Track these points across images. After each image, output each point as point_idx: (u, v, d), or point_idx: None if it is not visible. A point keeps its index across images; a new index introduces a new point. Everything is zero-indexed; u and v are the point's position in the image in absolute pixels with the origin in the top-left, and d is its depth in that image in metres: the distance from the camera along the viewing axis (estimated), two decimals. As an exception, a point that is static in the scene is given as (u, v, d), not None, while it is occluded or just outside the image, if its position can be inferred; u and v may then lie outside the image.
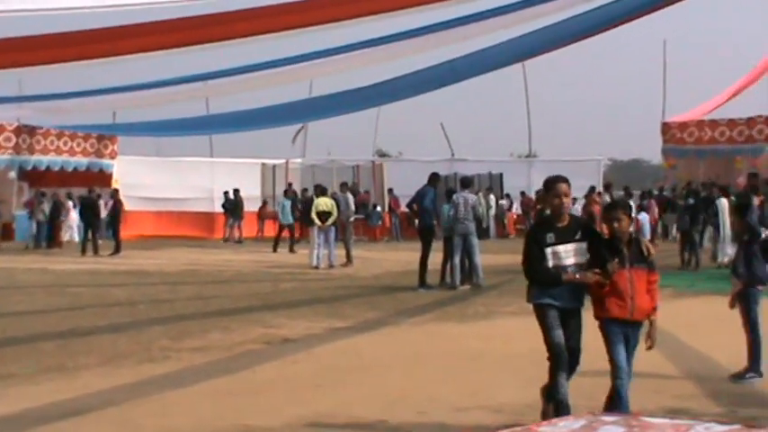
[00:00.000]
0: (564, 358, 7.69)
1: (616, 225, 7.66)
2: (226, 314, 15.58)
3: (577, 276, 7.62)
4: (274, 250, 31.01)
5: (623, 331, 7.61)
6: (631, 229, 7.91)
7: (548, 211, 8.15)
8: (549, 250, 7.64)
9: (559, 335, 7.68)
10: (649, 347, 7.76)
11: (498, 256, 25.36)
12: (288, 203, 31.77)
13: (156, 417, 8.57)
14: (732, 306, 10.01)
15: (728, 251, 20.55)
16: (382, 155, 53.55)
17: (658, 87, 42.38)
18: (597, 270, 7.58)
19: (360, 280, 21.74)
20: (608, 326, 7.63)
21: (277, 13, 15.84)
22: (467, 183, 20.85)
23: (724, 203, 21.59)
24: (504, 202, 42.35)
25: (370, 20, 18.04)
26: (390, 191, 40.80)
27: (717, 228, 22.55)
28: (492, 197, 40.21)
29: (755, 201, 14.60)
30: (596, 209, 25.09)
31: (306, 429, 8.09)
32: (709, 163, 36.03)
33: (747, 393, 9.15)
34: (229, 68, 19.82)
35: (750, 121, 35.89)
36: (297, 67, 20.10)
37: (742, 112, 36.69)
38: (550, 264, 7.66)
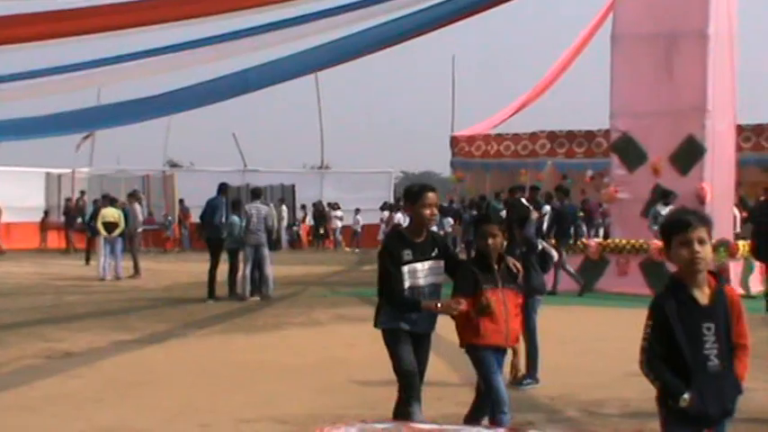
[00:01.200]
0: (416, 387, 7.14)
1: (490, 241, 6.96)
2: (4, 328, 14.95)
3: (439, 306, 6.91)
4: (87, 262, 29.55)
5: (496, 359, 7.04)
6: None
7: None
8: (405, 268, 6.91)
9: (412, 362, 7.05)
10: (515, 379, 7.24)
11: (290, 268, 25.44)
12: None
13: None
14: None
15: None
16: (173, 165, 52.77)
17: (448, 101, 43.52)
18: (461, 300, 6.82)
19: (148, 292, 21.31)
20: (482, 353, 7.00)
21: (61, 18, 15.41)
22: (258, 193, 20.78)
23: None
24: (300, 213, 42.60)
25: (161, 28, 17.79)
26: (182, 201, 40.22)
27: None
28: (284, 208, 40.23)
29: (534, 214, 15.11)
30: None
31: (85, 446, 7.86)
32: (494, 176, 37.13)
33: (525, 399, 9.45)
34: (12, 74, 19.12)
35: (533, 136, 37.22)
36: (84, 74, 19.61)
37: (526, 127, 38.04)
38: (407, 283, 6.91)
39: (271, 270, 19.40)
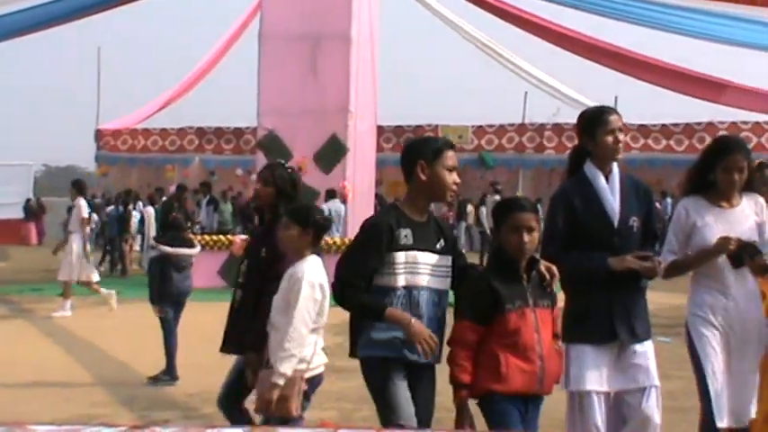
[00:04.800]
0: None
1: (526, 238, 4.76)
2: None
3: (412, 324, 4.68)
4: None
5: (520, 411, 4.73)
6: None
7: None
8: (401, 256, 4.79)
9: (411, 414, 4.76)
10: None
11: None
12: None
13: None
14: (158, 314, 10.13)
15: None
16: None
17: (93, 93, 42.13)
18: (434, 339, 4.73)
19: None
20: (502, 406, 4.67)
21: None
22: None
23: (150, 212, 22.10)
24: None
25: None
26: None
27: (143, 235, 23.01)
28: None
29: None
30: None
31: None
32: (140, 171, 36.56)
33: (161, 397, 9.27)
34: None
35: (181, 132, 36.99)
36: None
37: (174, 123, 37.69)
38: (401, 281, 4.77)
39: None
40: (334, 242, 19.05)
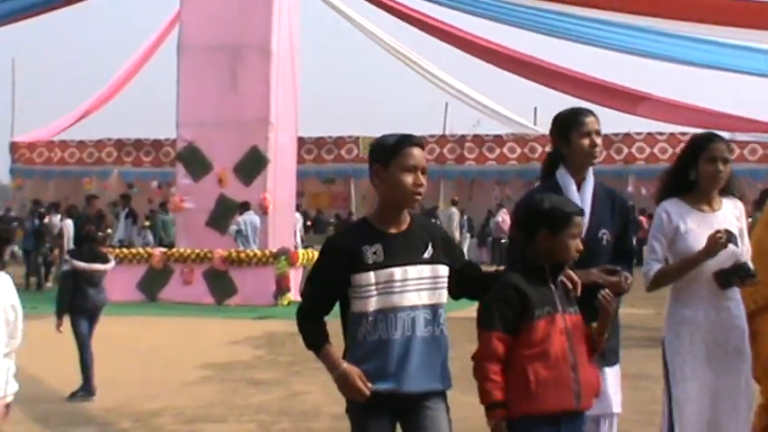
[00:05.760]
0: None
1: (572, 243, 4.25)
2: None
3: (343, 370, 4.04)
4: None
5: None
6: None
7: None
8: (371, 278, 4.06)
9: None
10: None
11: None
12: None
13: None
14: (58, 329, 9.93)
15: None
16: None
17: (7, 105, 41.43)
18: (367, 386, 4.03)
19: None
20: (528, 429, 4.05)
21: None
22: None
23: (69, 224, 21.77)
24: None
25: None
26: None
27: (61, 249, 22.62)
28: None
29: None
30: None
31: None
32: (58, 184, 36.00)
33: (78, 412, 9.08)
34: None
35: (99, 144, 36.55)
36: None
37: (92, 135, 37.23)
38: (372, 306, 4.05)
39: None
40: (255, 254, 18.97)
